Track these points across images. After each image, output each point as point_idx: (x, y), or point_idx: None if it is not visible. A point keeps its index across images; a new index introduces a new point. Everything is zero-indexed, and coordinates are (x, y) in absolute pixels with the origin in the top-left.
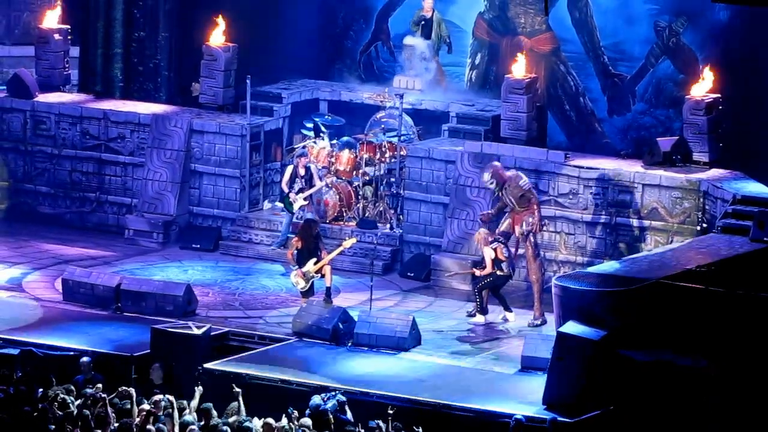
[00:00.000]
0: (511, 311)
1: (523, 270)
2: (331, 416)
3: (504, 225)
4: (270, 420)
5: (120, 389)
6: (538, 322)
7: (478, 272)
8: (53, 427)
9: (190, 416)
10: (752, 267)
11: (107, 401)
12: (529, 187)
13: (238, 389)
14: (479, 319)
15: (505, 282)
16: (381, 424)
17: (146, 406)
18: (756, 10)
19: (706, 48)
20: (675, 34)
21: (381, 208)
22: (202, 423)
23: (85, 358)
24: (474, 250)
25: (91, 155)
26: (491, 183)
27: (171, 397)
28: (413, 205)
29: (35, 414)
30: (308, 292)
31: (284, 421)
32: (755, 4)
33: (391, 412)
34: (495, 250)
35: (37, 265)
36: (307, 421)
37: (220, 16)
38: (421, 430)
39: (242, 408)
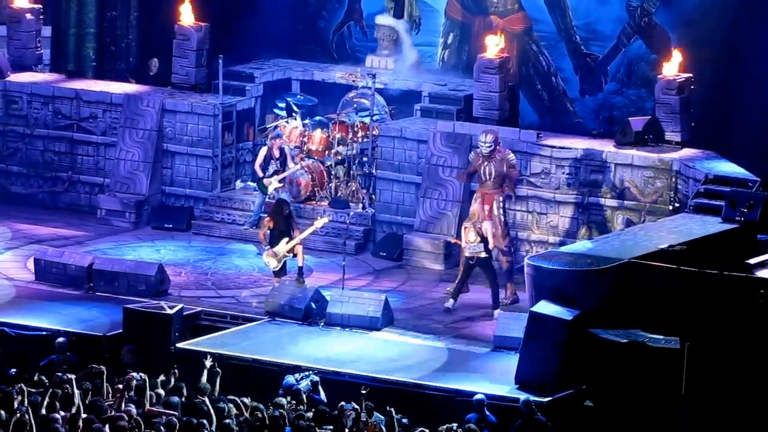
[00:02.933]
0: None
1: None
2: (304, 396)
3: (476, 204)
4: (245, 399)
5: (90, 367)
6: (509, 301)
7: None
8: (24, 407)
9: (174, 397)
10: (724, 246)
11: (73, 382)
12: (516, 163)
13: (218, 369)
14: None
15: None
16: (356, 406)
17: (120, 386)
18: None
19: (678, 27)
20: (647, 13)
21: (353, 188)
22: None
23: (60, 339)
24: (446, 229)
25: (64, 135)
26: (488, 146)
27: (144, 375)
28: (386, 185)
29: (6, 394)
30: (280, 272)
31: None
32: None
33: (364, 392)
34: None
35: (10, 245)
36: (281, 400)
37: None
38: (393, 410)
39: (215, 388)
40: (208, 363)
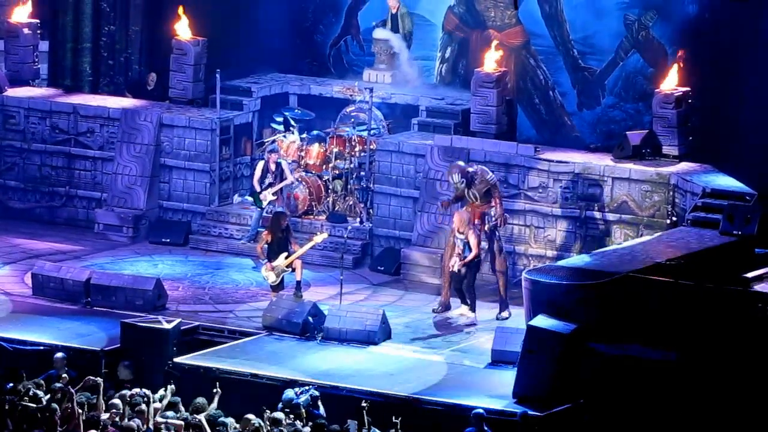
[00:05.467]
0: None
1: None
2: (303, 410)
3: (464, 213)
4: (249, 416)
5: (87, 379)
6: (505, 316)
7: (458, 265)
8: (25, 424)
9: (170, 411)
10: (721, 260)
11: (74, 397)
12: (495, 182)
13: (218, 390)
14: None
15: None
16: (354, 424)
17: (116, 401)
18: (725, 4)
19: (676, 41)
20: (644, 27)
21: (351, 202)
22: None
23: (59, 354)
24: (444, 243)
25: (61, 150)
26: (461, 183)
27: (147, 391)
28: (383, 199)
29: (4, 408)
30: (278, 286)
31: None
32: None
33: (365, 405)
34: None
35: (7, 260)
36: (278, 414)
37: (186, 9)
38: (399, 422)
39: (213, 405)
40: (217, 391)
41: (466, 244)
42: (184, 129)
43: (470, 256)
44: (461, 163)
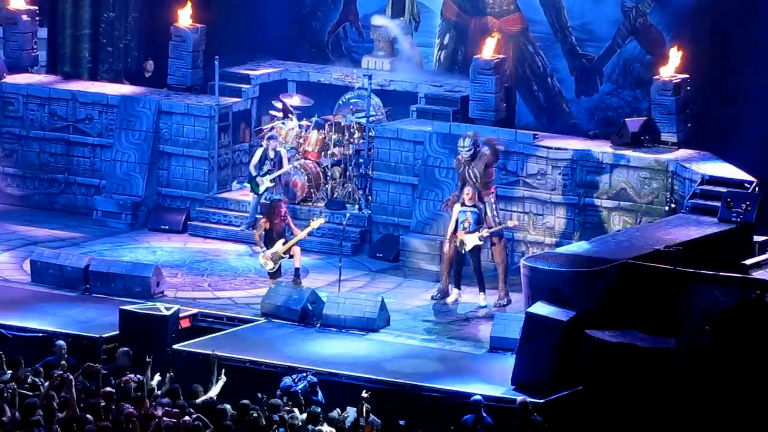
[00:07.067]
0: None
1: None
2: (301, 397)
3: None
4: (245, 402)
5: (86, 365)
6: (504, 302)
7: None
8: (18, 412)
9: (165, 398)
10: (720, 247)
11: (73, 383)
12: (491, 160)
13: (223, 377)
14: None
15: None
16: (353, 411)
17: (110, 388)
18: None
19: (673, 28)
20: (642, 14)
21: (350, 189)
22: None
23: (60, 341)
24: (443, 230)
25: (60, 136)
26: (468, 150)
27: (141, 377)
28: (382, 186)
29: (3, 395)
30: (276, 273)
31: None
32: None
33: (365, 395)
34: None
35: (6, 247)
36: (276, 401)
37: None
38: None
39: (216, 391)
40: (221, 378)
41: (477, 216)
42: (182, 116)
43: (504, 225)
44: (471, 133)
